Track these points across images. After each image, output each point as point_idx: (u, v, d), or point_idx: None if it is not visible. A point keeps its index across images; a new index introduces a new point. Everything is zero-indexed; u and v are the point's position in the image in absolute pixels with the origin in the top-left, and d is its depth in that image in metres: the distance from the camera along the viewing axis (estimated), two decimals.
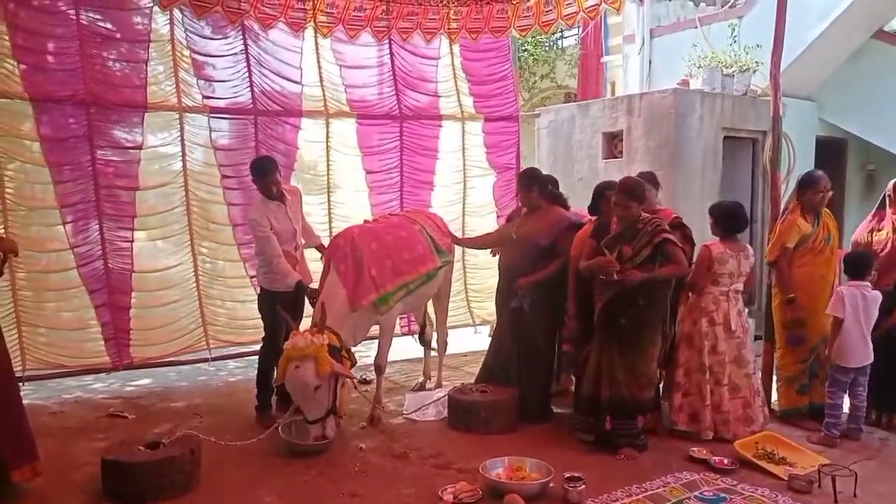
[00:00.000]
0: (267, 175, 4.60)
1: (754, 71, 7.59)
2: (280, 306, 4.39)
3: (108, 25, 5.43)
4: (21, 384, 5.21)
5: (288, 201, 4.70)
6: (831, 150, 8.70)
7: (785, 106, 6.56)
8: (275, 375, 4.22)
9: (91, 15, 5.30)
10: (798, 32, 7.21)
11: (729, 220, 4.48)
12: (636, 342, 4.10)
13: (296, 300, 4.56)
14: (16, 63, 5.04)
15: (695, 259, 4.44)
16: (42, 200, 5.22)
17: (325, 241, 5.12)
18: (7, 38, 4.98)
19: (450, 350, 5.94)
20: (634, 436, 4.10)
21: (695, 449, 4.07)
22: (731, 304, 4.40)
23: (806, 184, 4.67)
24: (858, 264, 4.38)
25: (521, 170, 5.36)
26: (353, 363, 4.37)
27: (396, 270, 4.59)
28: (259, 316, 4.82)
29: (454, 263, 5.68)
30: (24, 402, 5.12)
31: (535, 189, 4.81)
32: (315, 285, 4.69)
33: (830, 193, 4.69)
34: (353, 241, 4.44)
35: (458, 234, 6.52)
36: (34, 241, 5.25)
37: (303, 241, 4.85)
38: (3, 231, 5.01)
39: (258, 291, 4.81)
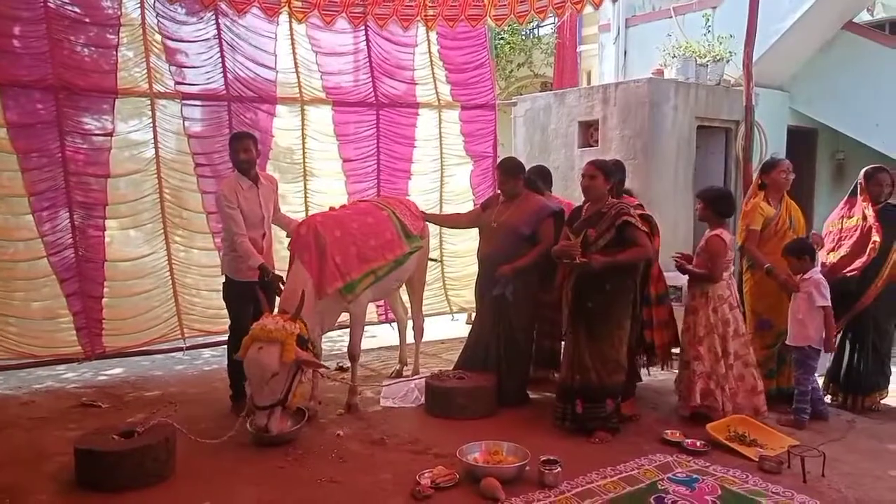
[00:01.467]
0: (236, 140, 4.58)
1: (727, 61, 7.69)
2: (248, 295, 4.36)
3: (77, 9, 5.30)
4: None
5: (262, 185, 4.65)
6: (802, 140, 8.86)
7: (757, 96, 6.67)
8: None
9: None
10: (770, 23, 7.32)
11: (723, 204, 4.53)
12: (603, 327, 4.15)
13: (261, 290, 4.48)
14: None
15: (704, 251, 4.47)
16: (10, 188, 5.11)
17: None
18: None
19: (428, 337, 5.95)
20: (605, 419, 4.14)
21: (668, 431, 4.13)
22: (734, 286, 4.53)
23: (769, 165, 4.83)
24: (801, 251, 4.42)
25: (502, 158, 5.34)
26: (317, 356, 4.33)
27: (362, 257, 4.54)
28: None
29: (429, 251, 5.68)
30: None
31: (521, 177, 4.84)
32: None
33: (793, 176, 4.79)
34: (316, 228, 4.38)
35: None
36: (2, 230, 5.14)
37: (271, 230, 4.75)
38: None
39: (223, 280, 4.74)
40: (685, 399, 4.48)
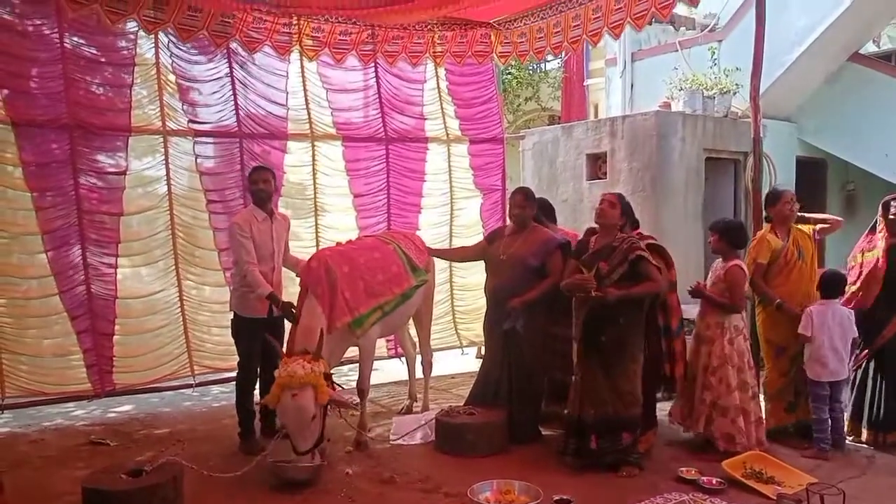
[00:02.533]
0: (255, 171, 4.71)
1: (734, 93, 7.73)
2: (256, 331, 4.36)
3: (93, 49, 5.41)
4: (0, 412, 5.15)
5: (276, 220, 4.69)
6: (812, 170, 8.84)
7: (765, 127, 6.68)
8: (257, 397, 4.14)
9: (75, 39, 5.28)
10: (776, 55, 7.37)
11: (736, 234, 4.56)
12: (618, 360, 4.12)
13: (271, 328, 4.49)
14: None
15: (722, 282, 4.46)
16: (24, 226, 5.16)
17: None
18: None
19: (438, 372, 5.90)
20: (623, 452, 4.09)
21: (683, 469, 4.06)
22: (746, 318, 4.57)
23: (771, 199, 4.82)
24: (831, 285, 4.51)
25: (519, 186, 5.39)
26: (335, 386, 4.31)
27: (370, 292, 4.54)
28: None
29: (436, 284, 5.66)
30: (3, 430, 5.09)
31: (535, 206, 4.89)
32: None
33: (798, 206, 4.80)
34: (327, 262, 4.39)
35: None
36: (16, 268, 5.18)
37: (281, 265, 4.75)
38: None
39: (232, 317, 4.74)
40: (693, 424, 4.49)
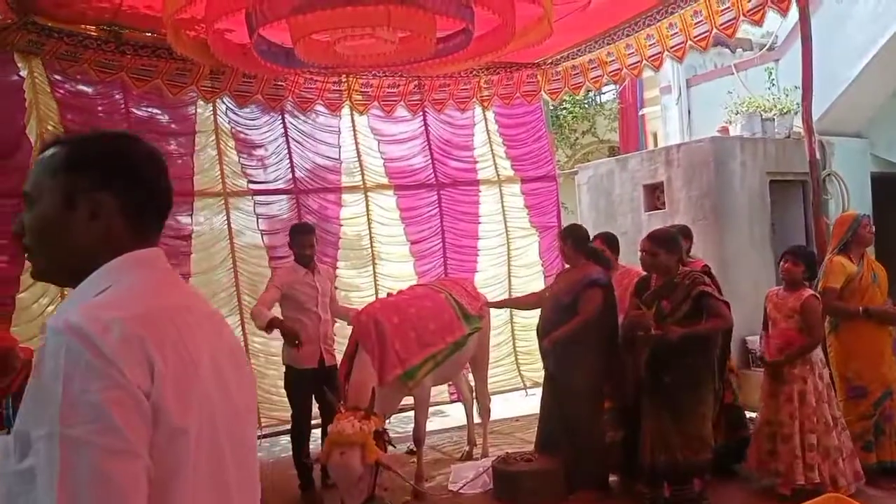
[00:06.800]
0: (300, 234, 4.75)
1: (795, 112, 7.44)
2: (308, 383, 4.46)
3: (158, 119, 5.78)
4: None
5: (318, 273, 4.77)
6: (889, 187, 8.35)
7: (832, 145, 6.42)
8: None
9: (140, 112, 5.66)
10: (839, 70, 7.09)
11: (814, 263, 4.40)
12: (685, 403, 3.96)
13: (320, 377, 4.56)
14: None
15: (807, 315, 4.18)
16: None
17: None
18: None
19: (501, 415, 5.82)
20: (694, 501, 3.91)
21: None
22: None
23: (855, 226, 4.58)
24: None
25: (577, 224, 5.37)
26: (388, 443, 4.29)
27: (422, 342, 4.54)
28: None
29: (497, 325, 5.64)
30: None
31: (569, 243, 4.67)
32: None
33: (873, 228, 4.63)
34: (376, 316, 4.41)
35: (505, 297, 6.54)
36: None
37: (327, 316, 4.81)
38: None
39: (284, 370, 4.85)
40: (787, 475, 4.06)
